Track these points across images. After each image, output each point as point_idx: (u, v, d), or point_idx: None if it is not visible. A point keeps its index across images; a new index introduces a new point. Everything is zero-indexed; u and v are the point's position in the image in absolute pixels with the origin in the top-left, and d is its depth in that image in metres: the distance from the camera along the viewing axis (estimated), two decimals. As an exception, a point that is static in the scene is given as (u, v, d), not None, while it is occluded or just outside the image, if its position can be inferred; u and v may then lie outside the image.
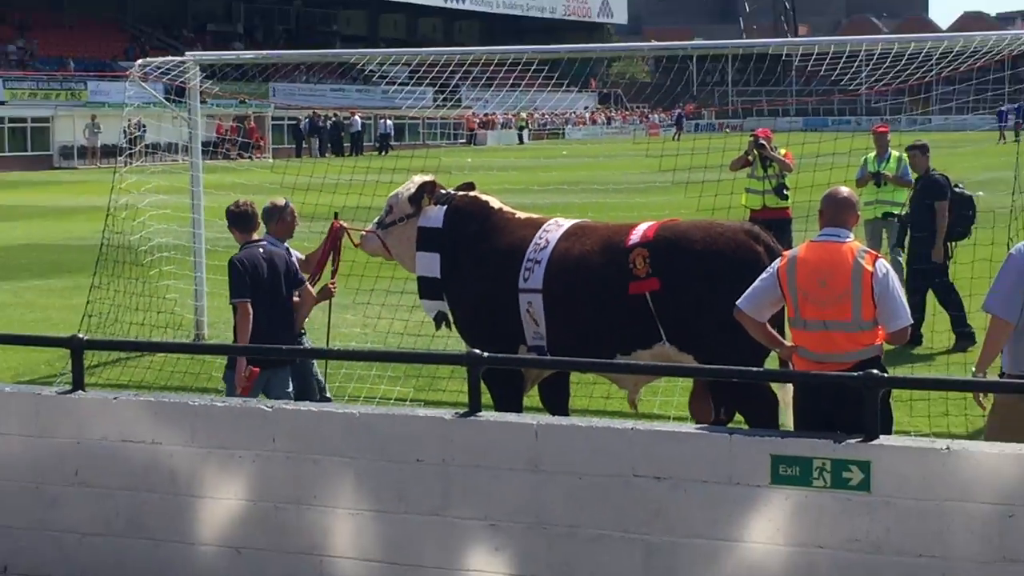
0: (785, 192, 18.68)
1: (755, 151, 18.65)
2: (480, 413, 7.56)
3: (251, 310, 10.17)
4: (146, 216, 15.15)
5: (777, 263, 8.26)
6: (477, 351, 8.05)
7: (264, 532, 7.78)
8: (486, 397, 8.20)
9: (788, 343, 8.31)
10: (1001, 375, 8.10)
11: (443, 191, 10.80)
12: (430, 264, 10.48)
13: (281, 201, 11.24)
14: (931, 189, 15.69)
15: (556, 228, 10.26)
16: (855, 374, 7.33)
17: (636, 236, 9.86)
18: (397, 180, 14.33)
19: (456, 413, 7.60)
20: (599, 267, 9.88)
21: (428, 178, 10.92)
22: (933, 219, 15.42)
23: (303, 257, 11.45)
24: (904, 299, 8.12)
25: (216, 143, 31.96)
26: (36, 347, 14.72)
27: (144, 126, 28.61)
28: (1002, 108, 59.62)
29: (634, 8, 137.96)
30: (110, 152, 54.78)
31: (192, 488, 7.92)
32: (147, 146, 18.13)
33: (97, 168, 59.48)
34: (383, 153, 56.94)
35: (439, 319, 10.72)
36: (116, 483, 8.08)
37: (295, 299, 10.72)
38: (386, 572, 7.57)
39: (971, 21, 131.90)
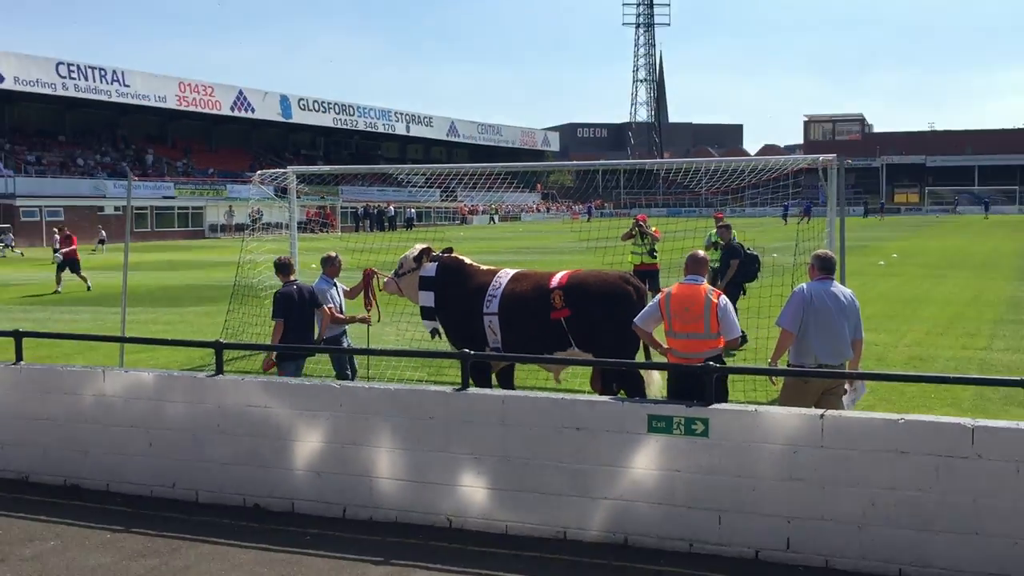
0: (655, 254, 18.97)
1: (636, 228, 19.02)
2: (469, 389, 7.62)
3: (283, 326, 10.20)
4: (261, 267, 15.21)
5: (659, 296, 8.34)
6: (466, 350, 8.22)
7: (335, 462, 7.81)
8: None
9: (664, 346, 8.35)
10: (788, 364, 8.15)
11: (434, 253, 10.91)
12: (427, 298, 10.62)
13: (333, 253, 11.45)
14: (731, 252, 15.83)
15: (505, 275, 10.43)
16: (700, 364, 7.51)
17: (555, 281, 10.09)
18: (407, 246, 14.56)
19: (454, 388, 7.64)
20: (533, 301, 10.03)
21: (425, 246, 11.04)
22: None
23: (347, 288, 11.58)
24: (736, 320, 8.26)
25: (305, 223, 32.09)
26: (193, 347, 14.80)
27: (261, 212, 28.63)
28: (785, 203, 60.41)
29: (564, 141, 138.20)
30: (240, 228, 54.70)
31: (290, 435, 7.96)
32: (263, 224, 18.22)
33: (231, 238, 59.28)
34: (409, 229, 57.21)
35: (433, 332, 10.85)
36: (242, 432, 8.11)
37: (332, 312, 10.86)
38: (411, 487, 7.60)
39: (768, 150, 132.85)
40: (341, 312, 11.21)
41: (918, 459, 6.30)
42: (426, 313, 10.73)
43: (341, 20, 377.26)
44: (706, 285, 8.32)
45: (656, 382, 9.86)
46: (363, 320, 11.40)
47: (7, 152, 65.08)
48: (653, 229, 19.30)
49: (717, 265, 17.41)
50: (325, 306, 10.74)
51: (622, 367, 9.46)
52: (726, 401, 7.68)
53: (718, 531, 6.79)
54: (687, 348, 8.12)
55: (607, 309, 9.80)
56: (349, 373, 11.35)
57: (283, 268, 10.68)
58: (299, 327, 10.39)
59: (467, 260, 10.89)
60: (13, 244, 51.73)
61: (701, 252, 8.66)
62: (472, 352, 8.06)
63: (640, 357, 9.92)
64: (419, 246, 11.08)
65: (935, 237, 52.87)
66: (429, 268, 10.71)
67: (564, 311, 9.86)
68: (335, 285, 11.30)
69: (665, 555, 6.85)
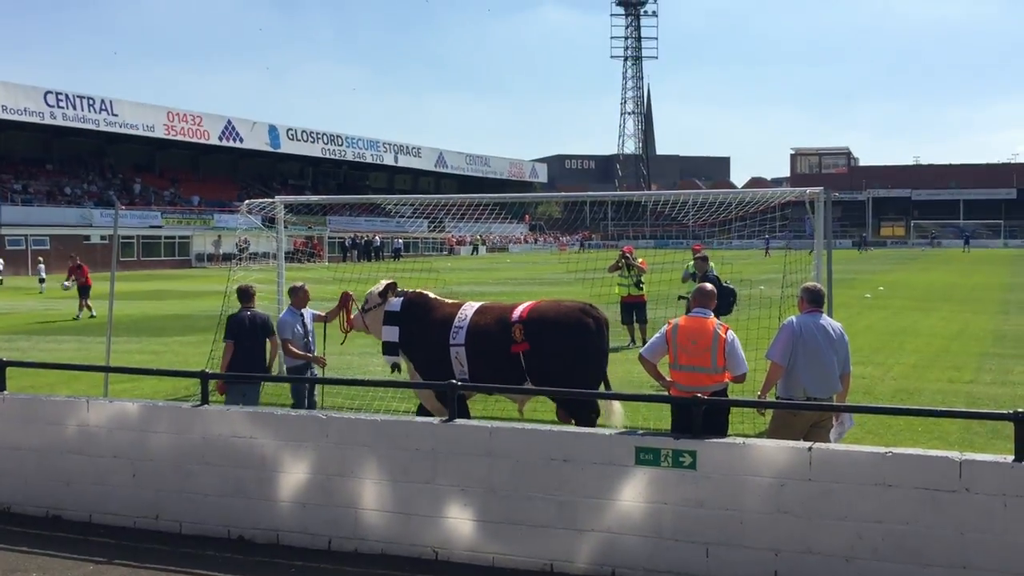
0: (641, 285, 19.26)
1: (623, 260, 19.14)
2: (456, 420, 7.59)
3: (231, 348, 10.67)
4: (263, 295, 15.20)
5: (666, 328, 8.30)
6: (455, 381, 8.19)
7: (320, 493, 7.76)
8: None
9: (668, 379, 8.33)
10: (776, 397, 8.16)
11: (399, 289, 10.94)
12: (391, 333, 10.56)
13: (299, 283, 11.55)
14: (705, 279, 15.84)
15: (471, 307, 10.44)
16: (688, 397, 7.49)
17: (516, 314, 10.09)
18: (402, 277, 14.51)
19: (441, 420, 7.64)
20: (496, 333, 10.03)
21: (390, 281, 11.07)
22: None
23: (322, 314, 11.58)
24: (743, 356, 8.21)
25: (293, 252, 31.97)
26: (178, 377, 14.73)
27: (248, 242, 28.68)
28: (765, 237, 60.96)
29: (551, 172, 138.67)
30: (228, 257, 54.62)
31: (275, 466, 7.91)
32: (250, 254, 18.21)
33: (218, 267, 59.15)
34: (396, 260, 57.11)
35: (394, 367, 10.82)
36: (227, 463, 8.06)
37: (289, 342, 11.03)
38: (397, 518, 7.55)
39: (755, 182, 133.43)
40: (309, 339, 11.26)
41: (905, 492, 6.30)
42: (388, 348, 10.69)
43: (327, 49, 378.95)
44: (714, 319, 8.30)
45: (617, 412, 9.94)
46: (318, 361, 11.37)
47: (-7, 180, 64.95)
48: (640, 261, 19.43)
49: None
50: (279, 337, 10.95)
51: (574, 397, 9.55)
52: (726, 435, 7.67)
53: (706, 564, 6.75)
54: (691, 381, 8.06)
55: (567, 341, 9.80)
56: (307, 405, 11.27)
57: (243, 295, 11.11)
58: (248, 353, 10.71)
59: (431, 294, 10.91)
60: None
61: (708, 285, 8.67)
62: (459, 383, 8.03)
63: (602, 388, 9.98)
64: (384, 281, 11.10)
65: (921, 271, 53.16)
66: (394, 303, 10.70)
67: (523, 344, 9.86)
68: (302, 315, 11.29)
69: (652, 588, 6.80)
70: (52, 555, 7.70)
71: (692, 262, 18.21)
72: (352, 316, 11.24)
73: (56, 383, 15.31)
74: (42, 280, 42.52)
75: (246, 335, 10.74)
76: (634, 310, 19.40)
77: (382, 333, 10.70)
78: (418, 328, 10.47)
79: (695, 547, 6.78)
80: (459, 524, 7.38)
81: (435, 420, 7.66)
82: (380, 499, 7.61)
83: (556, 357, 9.77)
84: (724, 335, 8.10)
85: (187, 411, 8.32)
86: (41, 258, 47.76)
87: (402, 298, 10.73)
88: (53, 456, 8.67)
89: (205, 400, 8.47)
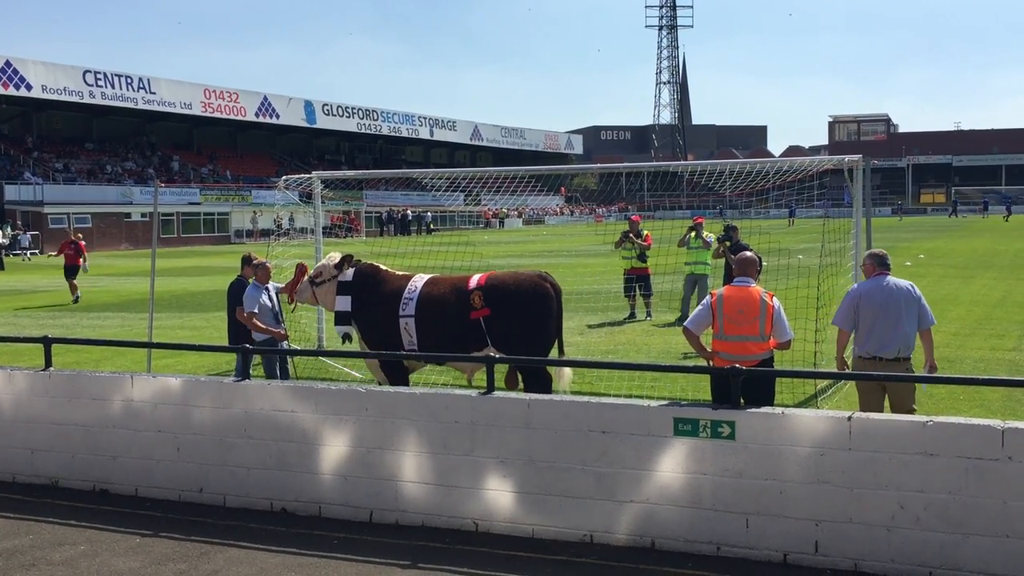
0: (645, 258, 19.59)
1: (626, 238, 19.62)
2: (494, 392, 7.60)
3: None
4: (287, 272, 15.26)
5: (709, 299, 8.33)
6: (493, 355, 8.20)
7: (361, 466, 7.83)
8: (499, 381, 8.30)
9: (708, 351, 8.34)
10: (857, 358, 8.38)
11: (355, 261, 11.07)
12: (344, 303, 10.77)
13: (262, 259, 11.86)
14: (737, 251, 15.84)
15: (420, 279, 10.62)
16: (730, 367, 7.47)
17: (473, 282, 10.29)
18: (439, 250, 14.54)
19: (479, 392, 7.66)
20: (451, 302, 10.22)
21: (347, 254, 11.16)
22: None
23: (281, 286, 11.69)
24: (788, 323, 8.26)
25: (330, 227, 32.15)
26: (219, 352, 14.91)
27: (293, 218, 28.71)
28: (789, 206, 60.29)
29: (587, 144, 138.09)
30: (266, 233, 55.06)
31: (316, 439, 7.99)
32: (288, 229, 18.31)
33: (256, 243, 59.56)
34: (429, 234, 57.32)
35: (345, 337, 10.94)
36: (269, 436, 8.15)
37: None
38: (437, 491, 7.60)
39: (793, 151, 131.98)
40: (278, 311, 11.49)
41: (947, 461, 6.25)
42: (340, 318, 10.89)
43: (361, 24, 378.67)
44: (759, 287, 8.31)
45: (566, 376, 10.25)
46: (280, 336, 11.45)
47: (35, 160, 65.68)
48: (645, 234, 19.70)
49: (696, 267, 18.13)
50: (245, 311, 11.17)
51: (544, 365, 9.81)
52: (772, 404, 7.69)
53: (745, 534, 6.75)
54: (739, 350, 8.07)
55: (526, 307, 10.06)
56: (278, 375, 11.45)
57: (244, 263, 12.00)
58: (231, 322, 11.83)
59: (382, 267, 11.07)
60: (27, 249, 52.07)
61: (749, 253, 8.69)
62: (498, 356, 8.04)
63: (554, 355, 10.24)
64: (337, 254, 11.23)
65: (962, 238, 52.45)
66: (348, 274, 10.89)
67: (484, 311, 10.07)
68: (267, 290, 11.45)
69: (692, 558, 6.82)
70: (100, 528, 7.84)
71: (693, 233, 18.84)
72: (299, 287, 11.31)
73: (100, 359, 15.54)
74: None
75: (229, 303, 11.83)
76: (640, 282, 19.65)
77: (335, 303, 10.91)
78: (368, 298, 10.68)
79: (735, 517, 6.77)
80: (498, 496, 7.41)
81: (473, 392, 7.68)
82: (420, 471, 7.65)
83: (517, 321, 10.02)
84: (771, 302, 8.11)
85: (229, 385, 8.41)
86: (81, 235, 48.38)
87: (354, 269, 10.93)
88: (99, 431, 8.81)
89: (246, 375, 8.55)
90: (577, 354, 15.22)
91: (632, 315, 19.58)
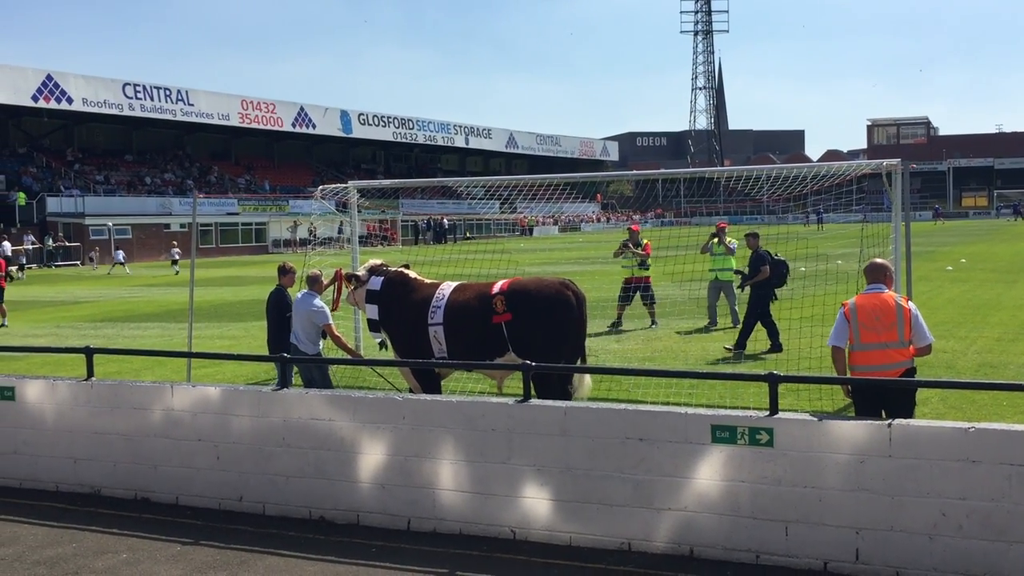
0: (646, 266, 19.61)
1: (625, 247, 19.75)
2: (531, 400, 7.60)
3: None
4: (325, 279, 15.37)
5: (842, 310, 8.04)
6: (531, 362, 8.18)
7: (399, 474, 7.85)
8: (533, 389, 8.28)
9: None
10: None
11: (384, 268, 11.07)
12: (372, 311, 10.84)
13: (290, 265, 12.11)
14: (759, 259, 15.83)
15: (448, 286, 10.65)
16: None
17: (496, 287, 10.31)
18: (474, 258, 14.54)
19: (516, 400, 7.64)
20: (475, 307, 10.23)
21: (379, 261, 11.24)
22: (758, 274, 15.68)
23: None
24: (926, 327, 7.92)
25: (366, 236, 32.39)
26: (258, 362, 15.03)
27: (341, 227, 28.76)
28: (817, 210, 59.77)
29: (623, 151, 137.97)
30: (303, 243, 55.36)
31: (354, 448, 8.02)
32: (325, 239, 18.43)
33: (294, 252, 59.97)
34: (456, 242, 57.48)
35: (381, 344, 11.04)
36: (307, 445, 8.19)
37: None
38: (474, 499, 7.62)
39: (831, 155, 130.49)
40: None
41: (990, 468, 6.17)
42: (372, 325, 10.96)
43: (394, 33, 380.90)
44: (893, 292, 8.08)
45: (586, 385, 10.27)
46: (351, 353, 11.58)
47: (76, 172, 66.62)
48: (645, 242, 19.73)
49: (721, 273, 18.18)
50: (326, 324, 11.10)
51: (574, 372, 9.87)
52: (912, 416, 7.52)
53: (785, 542, 6.71)
54: (882, 359, 7.82)
55: (546, 313, 10.05)
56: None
57: (279, 271, 12.07)
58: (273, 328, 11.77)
59: (412, 274, 11.09)
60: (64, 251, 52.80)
61: (879, 259, 8.35)
62: (534, 364, 8.05)
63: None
64: (372, 261, 11.30)
65: (1004, 241, 51.78)
66: (375, 282, 10.92)
67: (505, 315, 10.09)
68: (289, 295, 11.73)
69: (731, 566, 6.78)
70: (141, 536, 7.92)
71: (715, 240, 18.84)
72: (341, 293, 11.49)
73: (141, 369, 15.71)
74: (121, 264, 44.13)
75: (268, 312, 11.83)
76: (640, 290, 19.64)
77: (366, 311, 11.00)
78: (396, 307, 10.72)
79: (774, 525, 6.73)
80: (536, 504, 7.42)
81: (510, 400, 7.68)
82: (457, 479, 7.67)
83: (538, 327, 10.02)
84: (907, 306, 7.85)
85: (267, 395, 8.47)
86: (121, 249, 49.11)
87: (383, 277, 10.95)
88: (140, 440, 8.91)
89: (285, 384, 8.62)
90: (614, 361, 15.22)
91: (618, 323, 19.32)
